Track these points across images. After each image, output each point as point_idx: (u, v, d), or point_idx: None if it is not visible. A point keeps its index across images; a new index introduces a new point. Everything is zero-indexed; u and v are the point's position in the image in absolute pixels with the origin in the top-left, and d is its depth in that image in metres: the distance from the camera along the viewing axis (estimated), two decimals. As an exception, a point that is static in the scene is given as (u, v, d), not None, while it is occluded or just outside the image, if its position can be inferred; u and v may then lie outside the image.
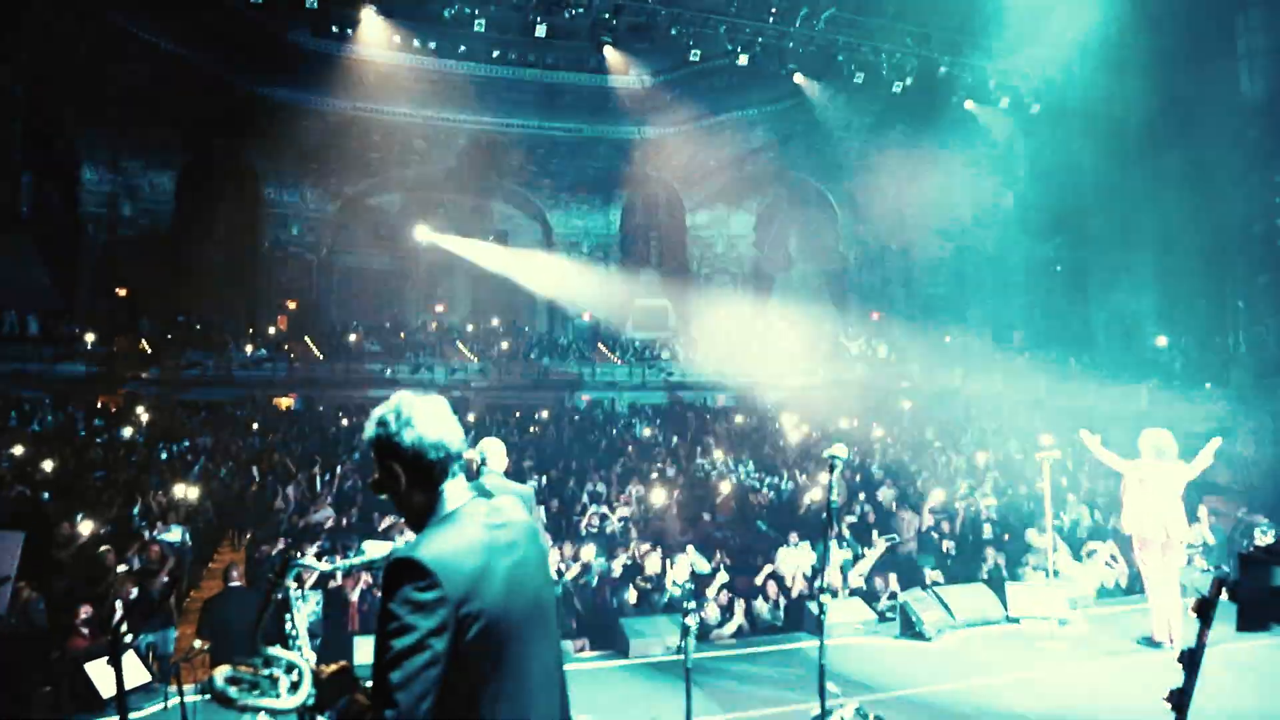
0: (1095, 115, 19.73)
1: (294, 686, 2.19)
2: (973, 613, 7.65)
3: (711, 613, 7.85)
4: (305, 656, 2.29)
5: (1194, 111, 17.77)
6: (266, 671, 2.19)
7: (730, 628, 7.83)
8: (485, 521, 2.03)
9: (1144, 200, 18.81)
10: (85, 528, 8.60)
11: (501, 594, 1.96)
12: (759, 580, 8.55)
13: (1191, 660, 4.03)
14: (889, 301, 27.29)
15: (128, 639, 3.62)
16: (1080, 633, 7.32)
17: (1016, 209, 23.18)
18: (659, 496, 11.41)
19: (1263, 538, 8.06)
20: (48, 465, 12.00)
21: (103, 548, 7.59)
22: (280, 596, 2.48)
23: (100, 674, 5.32)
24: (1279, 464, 12.14)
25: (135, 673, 5.37)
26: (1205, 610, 4.02)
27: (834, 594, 7.77)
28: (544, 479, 13.06)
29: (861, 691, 5.68)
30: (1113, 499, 12.07)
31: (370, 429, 2.07)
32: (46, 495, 10.55)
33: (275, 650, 2.28)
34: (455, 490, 2.06)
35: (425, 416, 2.05)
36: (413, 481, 2.04)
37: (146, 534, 8.96)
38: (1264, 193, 16.44)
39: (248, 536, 10.95)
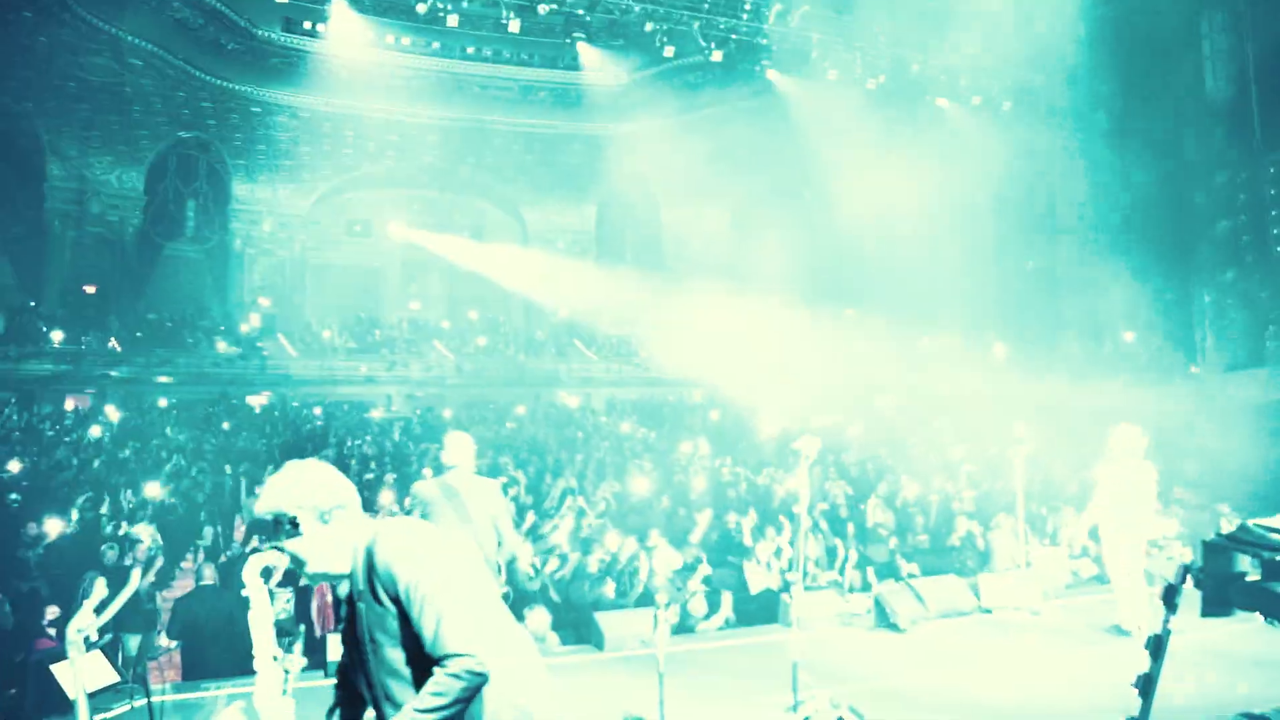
0: (1065, 114, 19.96)
1: None
2: (946, 604, 7.72)
3: (698, 606, 7.87)
4: (271, 653, 2.28)
5: (1160, 110, 18.00)
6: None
7: (717, 620, 7.86)
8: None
9: (1112, 197, 19.06)
10: (53, 527, 8.49)
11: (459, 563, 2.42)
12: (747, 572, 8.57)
13: (1157, 646, 4.10)
14: (864, 299, 27.43)
15: (101, 639, 3.58)
16: (1052, 623, 7.42)
17: (988, 207, 23.39)
18: (636, 490, 11.42)
19: (1227, 526, 8.19)
20: (14, 466, 11.81)
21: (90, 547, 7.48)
22: (244, 593, 2.46)
23: (66, 675, 5.24)
24: (1245, 456, 12.34)
25: (102, 673, 5.29)
26: (1170, 597, 4.08)
27: (806, 586, 7.81)
28: (521, 474, 13.03)
29: (836, 682, 5.71)
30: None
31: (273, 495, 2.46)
32: (14, 496, 10.39)
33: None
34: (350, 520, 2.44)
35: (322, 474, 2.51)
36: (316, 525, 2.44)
37: (119, 533, 8.85)
38: (1229, 191, 16.72)
39: (218, 535, 10.82)
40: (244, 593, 2.45)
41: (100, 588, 2.66)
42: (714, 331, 24.77)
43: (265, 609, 2.45)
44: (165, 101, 22.25)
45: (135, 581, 2.86)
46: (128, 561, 7.49)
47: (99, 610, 2.71)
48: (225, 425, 17.46)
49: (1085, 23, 17.49)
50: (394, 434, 17.68)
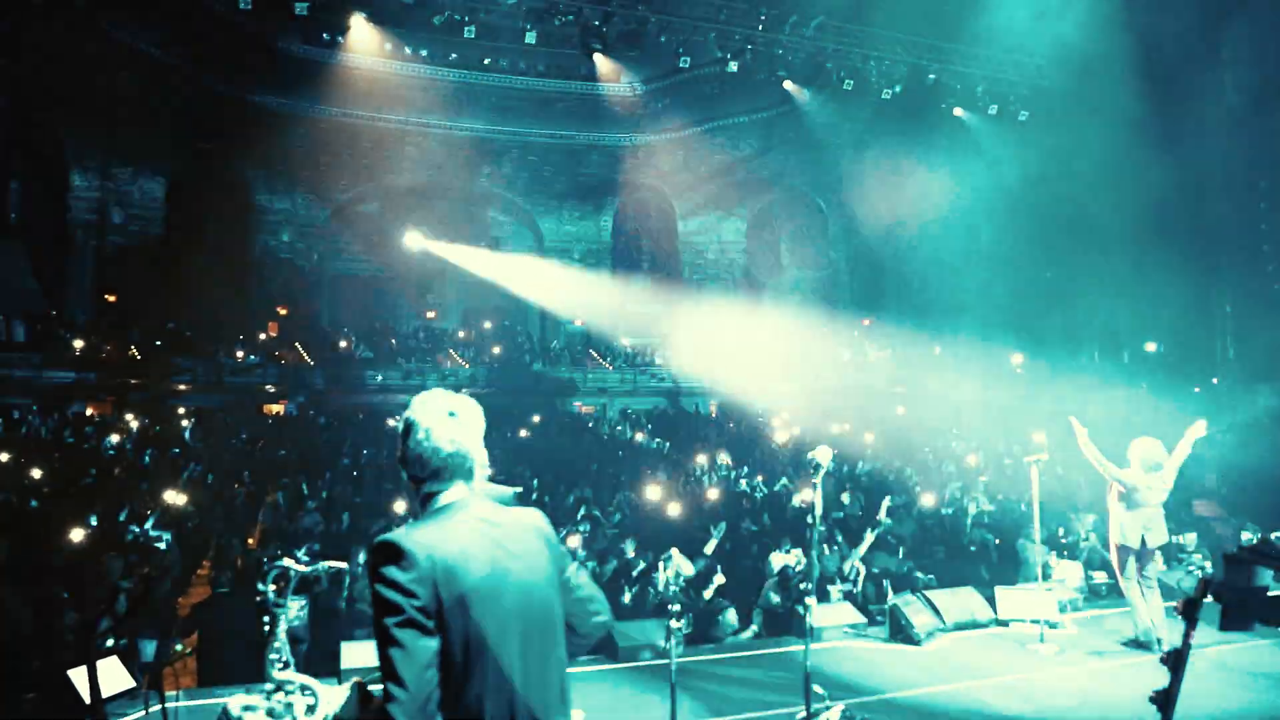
0: (1083, 123, 19.84)
1: (310, 709, 2.20)
2: (962, 616, 7.67)
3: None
4: (290, 663, 2.29)
5: (1180, 119, 17.88)
6: (282, 699, 2.20)
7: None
8: (478, 517, 2.11)
9: (1132, 207, 18.91)
10: (75, 534, 8.55)
11: (484, 585, 2.01)
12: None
13: (1176, 661, 4.05)
14: (880, 307, 27.35)
15: (118, 645, 3.60)
16: (1068, 635, 7.34)
17: (1005, 216, 23.27)
18: (651, 500, 11.40)
19: (1248, 539, 8.09)
20: (36, 472, 11.93)
21: (109, 553, 7.54)
22: (260, 601, 2.48)
23: (84, 681, 5.28)
24: (1265, 467, 12.20)
25: (118, 678, 5.33)
26: (1190, 611, 4.03)
27: (820, 597, 7.79)
28: (535, 483, 13.04)
29: (850, 694, 5.68)
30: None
31: (409, 420, 2.20)
32: (34, 502, 10.49)
33: (286, 674, 2.28)
34: (456, 490, 2.15)
35: (434, 422, 2.16)
36: (416, 479, 2.16)
37: (137, 540, 8.91)
38: (1250, 199, 16.57)
39: (235, 543, 10.88)
40: (258, 598, 2.47)
41: (118, 594, 2.68)
42: (730, 341, 24.75)
43: (280, 615, 2.46)
44: (186, 113, 22.50)
45: (152, 588, 2.89)
46: (145, 569, 7.55)
47: (115, 616, 2.73)
48: (242, 434, 17.57)
49: (1103, 31, 17.38)
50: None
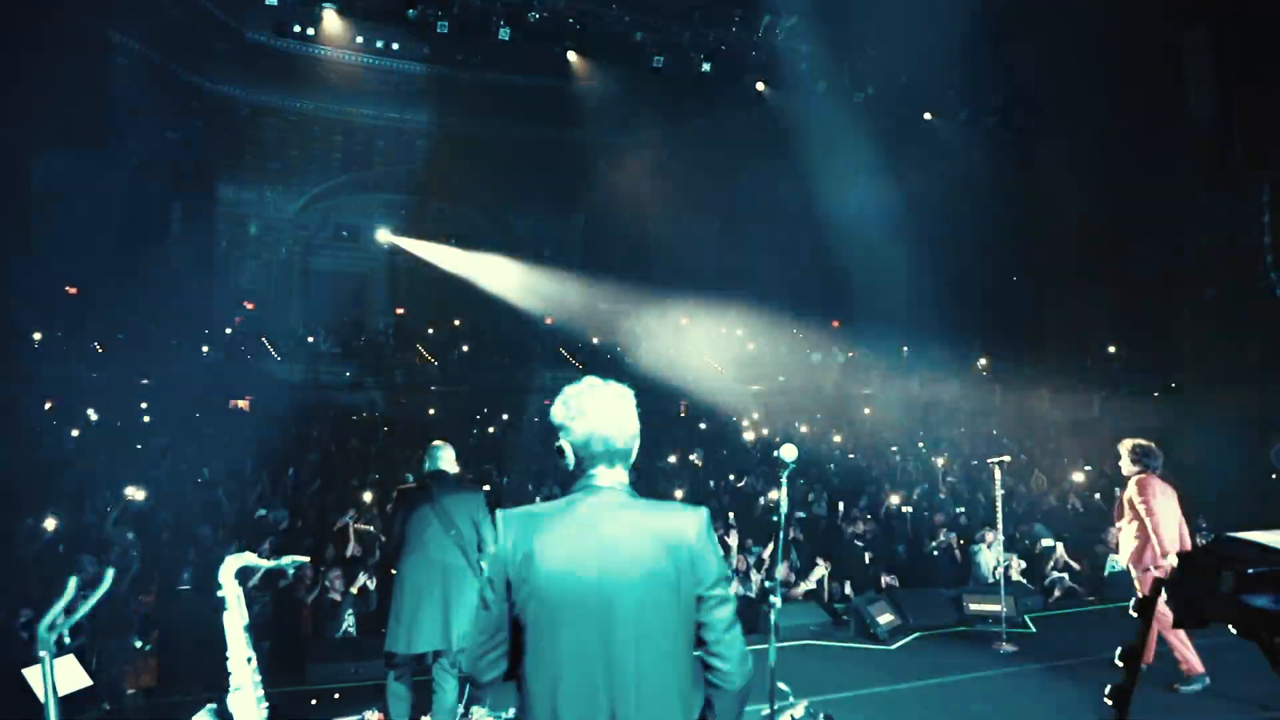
0: (1050, 130, 20.15)
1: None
2: (926, 615, 7.77)
3: None
4: (246, 656, 2.26)
5: (1143, 128, 18.18)
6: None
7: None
8: (595, 508, 2.16)
9: (1097, 213, 19.21)
10: (31, 529, 8.40)
11: (560, 573, 2.08)
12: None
13: (1131, 657, 4.13)
14: (849, 309, 27.54)
15: (75, 643, 3.54)
16: (1031, 636, 7.46)
17: (974, 219, 23.55)
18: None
19: (1203, 539, 8.25)
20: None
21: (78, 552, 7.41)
22: (220, 595, 2.45)
23: (37, 679, 5.18)
24: (1223, 470, 12.45)
25: (75, 677, 5.24)
26: (1145, 610, 4.12)
27: (784, 596, 7.83)
28: (505, 481, 13.00)
29: (815, 692, 5.73)
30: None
31: (553, 409, 2.30)
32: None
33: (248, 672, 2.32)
34: (589, 478, 2.22)
35: (577, 410, 2.25)
36: (561, 463, 2.28)
37: (96, 535, 8.77)
38: (1210, 208, 16.89)
39: (198, 539, 10.73)
40: (220, 594, 2.44)
41: (71, 587, 2.64)
42: (700, 342, 24.83)
43: (241, 611, 2.43)
44: (152, 102, 22.11)
45: (109, 583, 2.84)
46: (103, 564, 7.42)
47: (71, 611, 2.69)
48: (207, 430, 17.33)
49: (1071, 41, 17.64)
50: (377, 439, 17.60)
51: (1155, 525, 5.89)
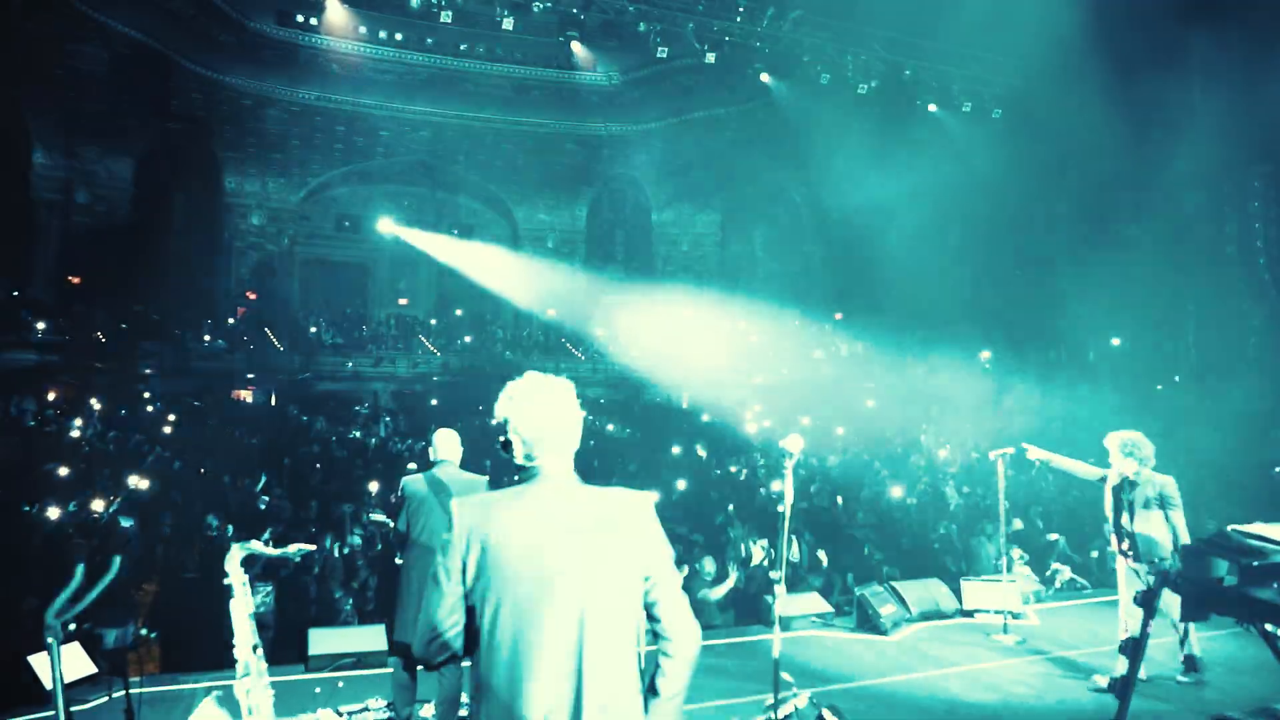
0: (1055, 121, 20.08)
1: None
2: (927, 606, 7.78)
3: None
4: (252, 644, 2.27)
5: (1149, 120, 18.14)
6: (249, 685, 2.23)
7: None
8: (547, 493, 2.25)
9: (1100, 206, 19.19)
10: (36, 518, 8.43)
11: (518, 557, 2.15)
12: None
13: (1134, 649, 4.14)
14: (852, 301, 27.51)
15: (79, 630, 3.56)
16: (1032, 626, 7.47)
17: (977, 213, 23.52)
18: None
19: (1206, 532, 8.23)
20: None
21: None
22: (226, 583, 2.46)
23: (44, 665, 5.21)
24: (1226, 463, 12.46)
25: (80, 664, 5.26)
26: (1148, 601, 4.13)
27: (789, 587, 7.84)
28: (506, 470, 13.01)
29: (817, 683, 5.74)
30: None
31: (500, 405, 2.38)
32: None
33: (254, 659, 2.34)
34: (536, 465, 2.29)
35: (523, 402, 2.33)
36: (509, 455, 2.34)
37: (100, 523, 8.79)
38: (1215, 203, 16.87)
39: (200, 528, 10.76)
40: (225, 581, 2.45)
41: (79, 575, 2.65)
42: (702, 333, 24.81)
43: (246, 599, 2.44)
44: (155, 92, 22.10)
45: (115, 571, 2.86)
46: (108, 552, 7.44)
47: (76, 598, 2.70)
48: (210, 419, 17.36)
49: (1077, 33, 17.58)
50: (380, 430, 17.63)
51: (1181, 525, 5.78)
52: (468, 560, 2.14)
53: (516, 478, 2.32)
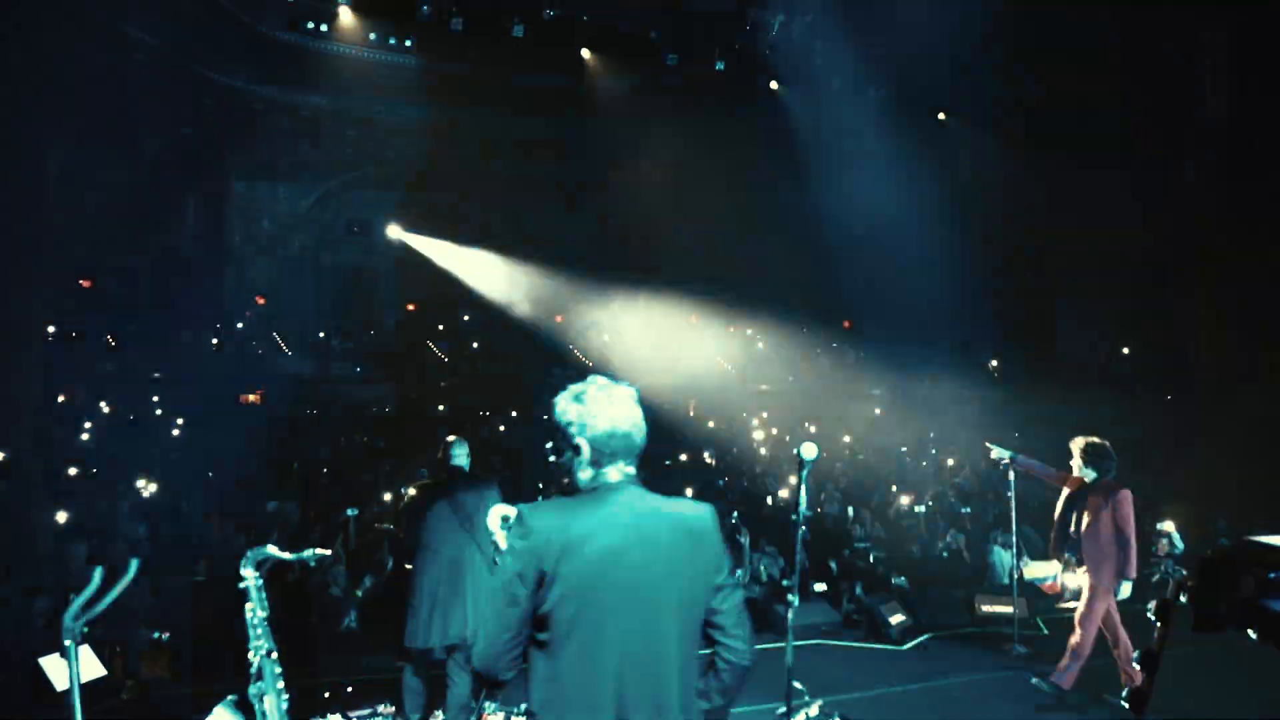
0: (1064, 130, 20.03)
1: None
2: (938, 615, 7.75)
3: None
4: (267, 648, 2.26)
5: (1158, 130, 18.08)
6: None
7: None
8: (619, 502, 2.19)
9: (1111, 213, 19.11)
10: (44, 520, 8.46)
11: (602, 566, 2.09)
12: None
13: (1150, 661, 4.11)
14: (860, 309, 27.47)
15: (92, 633, 3.56)
16: (1044, 636, 7.43)
17: (987, 220, 23.48)
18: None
19: (1220, 541, 8.19)
20: None
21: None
22: (242, 587, 2.46)
23: (54, 668, 5.21)
24: (1239, 471, 12.37)
25: (91, 667, 5.27)
26: (1165, 612, 4.11)
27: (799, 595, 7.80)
28: (513, 477, 13.01)
29: (829, 692, 5.72)
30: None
31: (559, 403, 2.33)
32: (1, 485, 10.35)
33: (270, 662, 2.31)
34: (604, 473, 2.24)
35: (589, 406, 2.27)
36: (568, 459, 2.28)
37: (113, 527, 8.82)
38: (1223, 208, 16.77)
39: (210, 531, 10.78)
40: (242, 585, 2.45)
41: (96, 578, 2.65)
42: (709, 340, 24.82)
43: (261, 603, 2.44)
44: (166, 97, 22.17)
45: (131, 574, 2.86)
46: (119, 556, 7.46)
47: (93, 601, 2.70)
48: (217, 423, 17.40)
49: (1087, 42, 17.56)
50: (388, 435, 17.66)
51: (1130, 540, 5.65)
52: (548, 569, 2.07)
53: (585, 484, 2.25)
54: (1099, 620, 5.78)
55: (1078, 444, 5.95)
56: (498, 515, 2.41)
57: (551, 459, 2.29)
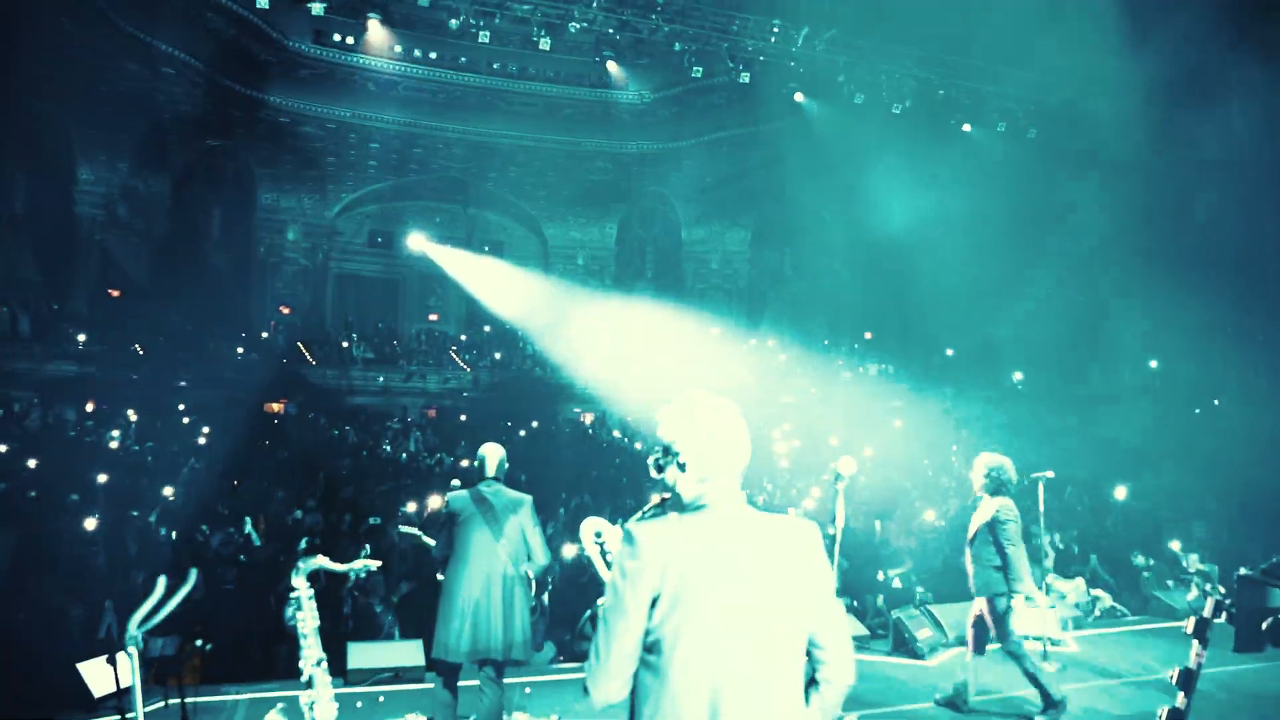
0: (1091, 144, 19.94)
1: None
2: (964, 631, 7.68)
3: None
4: (317, 658, 2.30)
5: (1186, 141, 17.97)
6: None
7: None
8: (726, 518, 2.16)
9: (1138, 228, 19.01)
10: (75, 526, 8.57)
11: (723, 587, 2.08)
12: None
13: (1188, 680, 4.07)
14: (882, 320, 27.40)
15: (136, 638, 3.62)
16: (1072, 653, 7.36)
17: (1012, 233, 23.36)
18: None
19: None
20: (31, 463, 11.98)
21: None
22: (292, 595, 2.50)
23: (93, 673, 5.28)
24: (1272, 489, 12.23)
25: (126, 674, 5.33)
26: (1202, 631, 4.06)
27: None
28: (534, 489, 13.03)
29: (857, 707, 5.70)
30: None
31: (662, 417, 2.27)
32: (33, 493, 10.50)
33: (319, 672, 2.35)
34: (712, 488, 2.19)
35: (710, 425, 2.22)
36: (672, 469, 2.22)
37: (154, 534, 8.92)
38: (1254, 224, 16.65)
39: (237, 540, 10.87)
40: (293, 595, 2.48)
41: (160, 587, 2.70)
42: (731, 351, 24.80)
43: (312, 613, 2.48)
44: (195, 110, 22.51)
45: (190, 582, 2.91)
46: (185, 567, 7.52)
47: (157, 609, 2.75)
48: (242, 432, 17.54)
49: (1114, 53, 17.50)
50: (410, 445, 17.75)
51: (1018, 557, 5.63)
52: (663, 590, 2.04)
53: (688, 501, 2.20)
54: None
55: (981, 461, 5.95)
56: (590, 529, 2.42)
57: (654, 473, 2.24)
